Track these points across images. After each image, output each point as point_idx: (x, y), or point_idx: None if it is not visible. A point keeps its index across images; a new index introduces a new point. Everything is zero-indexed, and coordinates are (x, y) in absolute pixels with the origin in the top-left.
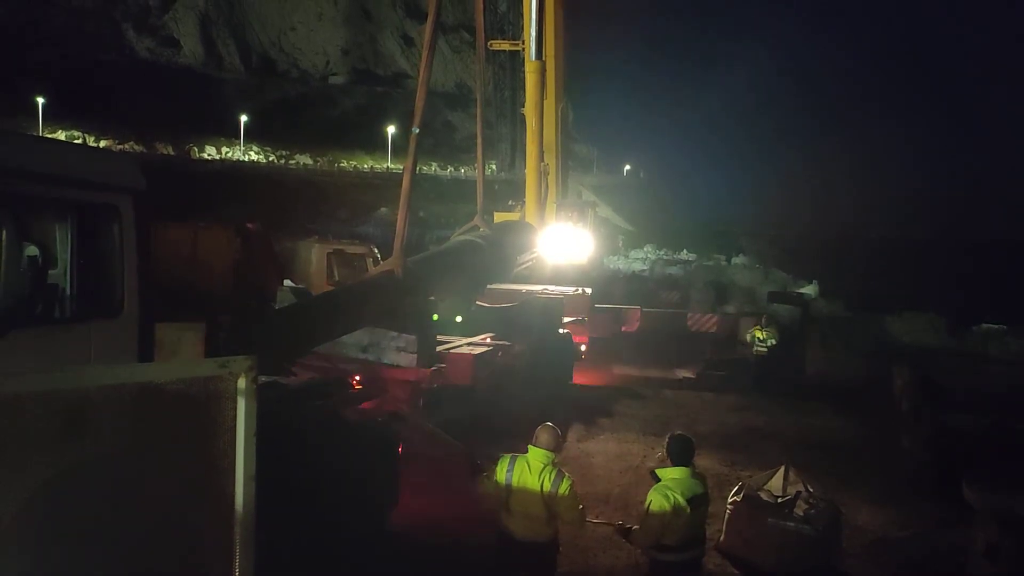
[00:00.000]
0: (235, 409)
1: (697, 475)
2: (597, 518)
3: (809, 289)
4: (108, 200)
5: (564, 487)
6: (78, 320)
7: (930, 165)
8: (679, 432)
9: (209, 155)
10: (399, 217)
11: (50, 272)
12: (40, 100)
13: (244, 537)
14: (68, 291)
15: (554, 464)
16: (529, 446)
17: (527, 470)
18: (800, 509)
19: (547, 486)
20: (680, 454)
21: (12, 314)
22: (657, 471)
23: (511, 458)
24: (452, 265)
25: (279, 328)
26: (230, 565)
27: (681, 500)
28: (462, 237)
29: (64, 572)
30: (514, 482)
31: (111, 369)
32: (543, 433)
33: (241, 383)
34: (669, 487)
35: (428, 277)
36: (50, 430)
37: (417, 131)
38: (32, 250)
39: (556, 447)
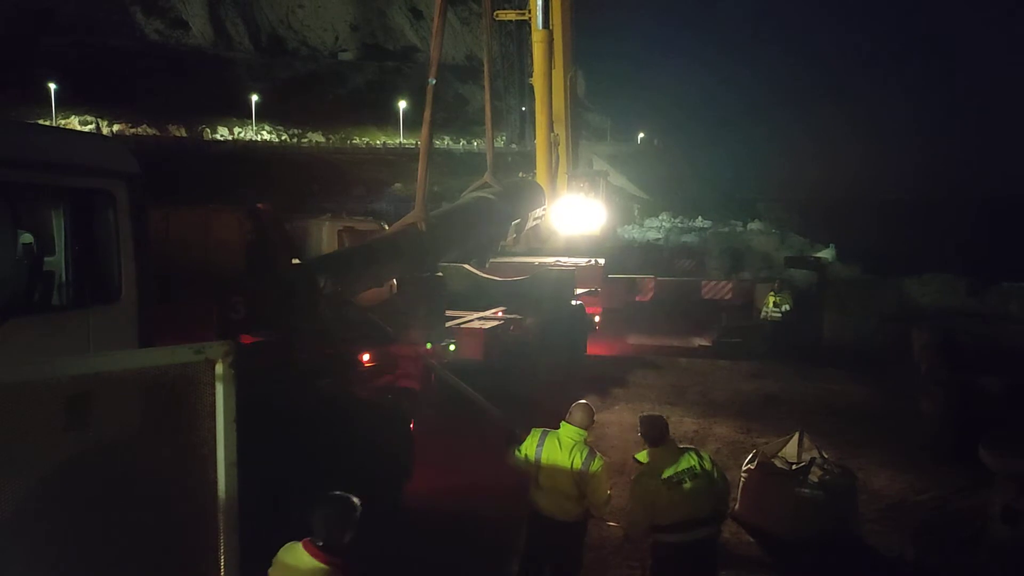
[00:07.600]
0: (214, 395)
1: (683, 448)
2: (615, 521)
3: (826, 253)
4: (101, 185)
5: (596, 466)
6: (75, 307)
7: (944, 123)
8: (646, 413)
9: (222, 136)
10: (420, 170)
11: (46, 260)
12: (53, 87)
13: (228, 525)
14: (65, 278)
15: (586, 442)
16: (562, 422)
17: (557, 446)
18: (815, 475)
19: (577, 464)
20: (651, 434)
21: (10, 303)
22: (636, 456)
23: (542, 433)
24: (469, 220)
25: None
26: (215, 554)
27: (656, 479)
28: (475, 194)
29: (62, 565)
30: (543, 458)
31: (79, 360)
32: (577, 410)
33: (218, 368)
34: (644, 471)
35: (448, 232)
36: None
37: (433, 82)
38: (27, 238)
39: (589, 426)
